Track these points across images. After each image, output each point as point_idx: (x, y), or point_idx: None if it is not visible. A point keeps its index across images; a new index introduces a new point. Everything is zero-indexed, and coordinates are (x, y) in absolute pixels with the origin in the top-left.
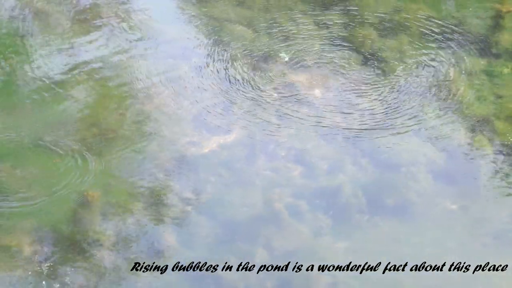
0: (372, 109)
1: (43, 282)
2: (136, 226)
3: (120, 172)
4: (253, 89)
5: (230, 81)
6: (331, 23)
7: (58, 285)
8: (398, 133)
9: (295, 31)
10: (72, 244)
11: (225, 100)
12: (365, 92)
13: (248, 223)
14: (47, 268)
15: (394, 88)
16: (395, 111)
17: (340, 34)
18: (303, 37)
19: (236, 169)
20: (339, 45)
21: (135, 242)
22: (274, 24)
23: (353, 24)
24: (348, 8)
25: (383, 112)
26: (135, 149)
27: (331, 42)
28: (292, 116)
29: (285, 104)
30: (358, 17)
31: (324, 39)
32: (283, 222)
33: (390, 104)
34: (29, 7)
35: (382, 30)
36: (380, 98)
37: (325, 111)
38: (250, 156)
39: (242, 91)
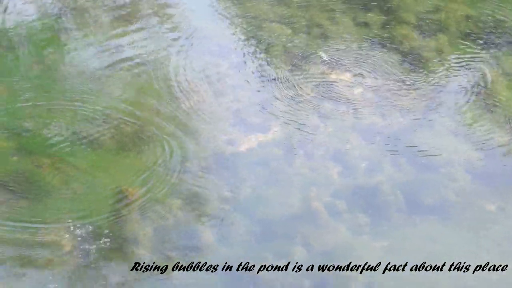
0: (411, 108)
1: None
2: (174, 223)
3: (158, 169)
4: (291, 87)
5: (268, 80)
6: (371, 22)
7: (96, 282)
8: (437, 133)
9: (334, 30)
10: (111, 240)
11: (263, 98)
12: (404, 92)
13: (286, 221)
14: (86, 264)
15: (433, 88)
16: (433, 110)
17: (379, 33)
18: (342, 36)
19: (274, 168)
20: (378, 44)
21: (172, 239)
22: (313, 23)
23: (393, 23)
24: (388, 7)
25: (422, 112)
26: (173, 146)
27: (370, 41)
28: (331, 115)
29: (323, 103)
30: (398, 16)
31: (363, 38)
32: (321, 221)
33: (429, 103)
34: (68, 3)
35: (421, 29)
36: (419, 97)
37: (364, 110)
38: (288, 154)
39: (281, 90)
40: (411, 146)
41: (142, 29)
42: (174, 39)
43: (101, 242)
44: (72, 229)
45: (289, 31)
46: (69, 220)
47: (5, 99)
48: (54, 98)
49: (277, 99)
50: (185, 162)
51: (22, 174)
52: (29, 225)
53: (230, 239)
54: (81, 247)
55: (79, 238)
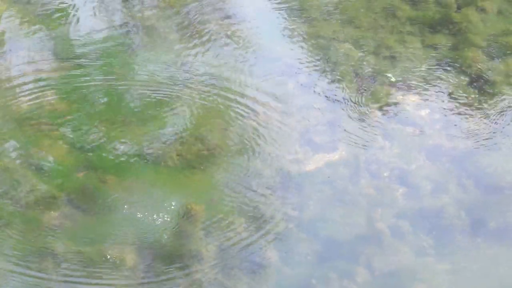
0: (478, 131)
1: None
2: (238, 241)
3: (223, 187)
4: (358, 108)
5: (335, 100)
6: (439, 44)
7: None
8: (504, 156)
9: (402, 52)
10: (174, 258)
11: (330, 118)
12: (471, 114)
13: (350, 241)
14: (147, 281)
15: (500, 111)
16: (501, 133)
17: (447, 55)
18: (410, 58)
19: (339, 188)
20: (446, 66)
21: (236, 258)
22: (382, 44)
23: (461, 46)
24: (456, 29)
25: (489, 135)
26: (239, 165)
27: (438, 63)
28: (397, 136)
29: (390, 124)
30: (466, 38)
31: (431, 60)
32: (385, 242)
33: (496, 126)
34: (138, 22)
35: (489, 52)
36: (486, 120)
37: (430, 132)
38: (353, 175)
39: (348, 110)
40: (477, 169)
41: (209, 48)
42: (242, 58)
43: (164, 260)
44: (135, 245)
45: (358, 52)
46: (132, 236)
47: (72, 116)
48: (120, 117)
49: (344, 119)
50: (250, 180)
51: (87, 190)
52: (93, 240)
53: (294, 258)
54: (144, 264)
55: (142, 255)
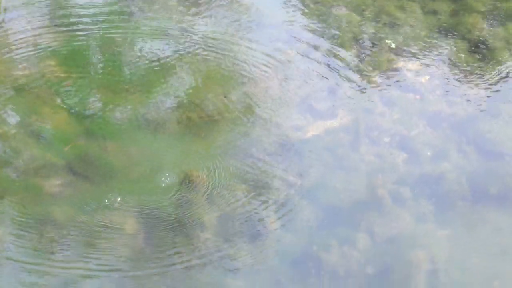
0: (478, 96)
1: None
2: (240, 208)
3: (224, 154)
4: (358, 74)
5: (336, 66)
6: (439, 10)
7: (160, 265)
8: (504, 122)
9: (403, 18)
10: (175, 225)
11: (330, 85)
12: (471, 80)
13: (351, 208)
14: (149, 247)
15: (501, 76)
16: (501, 100)
17: (448, 21)
18: (410, 24)
19: (339, 154)
20: (446, 32)
21: (237, 224)
22: (382, 11)
23: (461, 12)
24: None
25: (488, 100)
26: (240, 132)
27: (438, 30)
28: (397, 102)
29: (390, 90)
30: (466, 4)
31: (431, 26)
32: (385, 208)
33: (496, 92)
34: None
35: (490, 18)
36: (486, 86)
37: (431, 98)
38: (354, 141)
39: (348, 76)
40: (477, 135)
41: (210, 15)
42: (243, 25)
43: (165, 225)
44: (135, 212)
45: (358, 18)
46: (133, 203)
47: (71, 83)
48: (120, 83)
49: (344, 85)
50: (250, 147)
51: (87, 157)
52: (93, 207)
53: (295, 225)
54: (145, 230)
55: (143, 221)
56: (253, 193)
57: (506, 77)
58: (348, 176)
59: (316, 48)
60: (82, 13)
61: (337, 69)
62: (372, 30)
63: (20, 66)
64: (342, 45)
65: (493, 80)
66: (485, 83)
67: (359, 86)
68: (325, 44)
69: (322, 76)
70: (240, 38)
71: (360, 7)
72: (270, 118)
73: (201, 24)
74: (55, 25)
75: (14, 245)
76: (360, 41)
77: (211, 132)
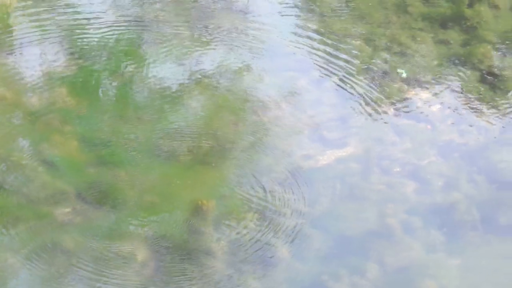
0: (489, 126)
1: None
2: (249, 237)
3: (235, 183)
4: (370, 104)
5: (347, 96)
6: (450, 40)
7: None
8: None
9: (414, 47)
10: (185, 253)
11: (341, 114)
12: (482, 109)
13: (361, 237)
14: (159, 276)
15: (511, 106)
16: None
17: (459, 51)
18: (421, 54)
19: (350, 183)
20: (457, 62)
21: (247, 253)
22: (393, 40)
23: (472, 42)
24: (468, 25)
25: (499, 129)
26: (250, 160)
27: (449, 59)
28: (408, 131)
29: (401, 119)
30: (478, 35)
31: (443, 56)
32: (395, 238)
33: (507, 121)
34: (150, 16)
35: (501, 48)
36: (497, 115)
37: (442, 127)
38: (364, 170)
39: (359, 106)
40: (488, 164)
41: (221, 43)
42: (253, 54)
43: (175, 255)
44: (146, 241)
45: (369, 48)
46: (144, 232)
47: (84, 112)
48: (132, 112)
49: (355, 115)
50: (261, 176)
51: (99, 185)
52: (104, 235)
53: (305, 254)
54: (155, 258)
55: (154, 250)
56: (263, 222)
57: None
58: (358, 206)
59: (327, 77)
60: (94, 43)
61: (348, 99)
62: (384, 60)
63: (32, 94)
64: (354, 75)
65: (504, 110)
66: (496, 112)
67: (370, 115)
68: (336, 74)
69: (334, 105)
70: (252, 67)
71: (372, 37)
72: (281, 147)
73: (211, 54)
74: (69, 54)
75: (25, 272)
76: (372, 71)
77: (222, 161)
